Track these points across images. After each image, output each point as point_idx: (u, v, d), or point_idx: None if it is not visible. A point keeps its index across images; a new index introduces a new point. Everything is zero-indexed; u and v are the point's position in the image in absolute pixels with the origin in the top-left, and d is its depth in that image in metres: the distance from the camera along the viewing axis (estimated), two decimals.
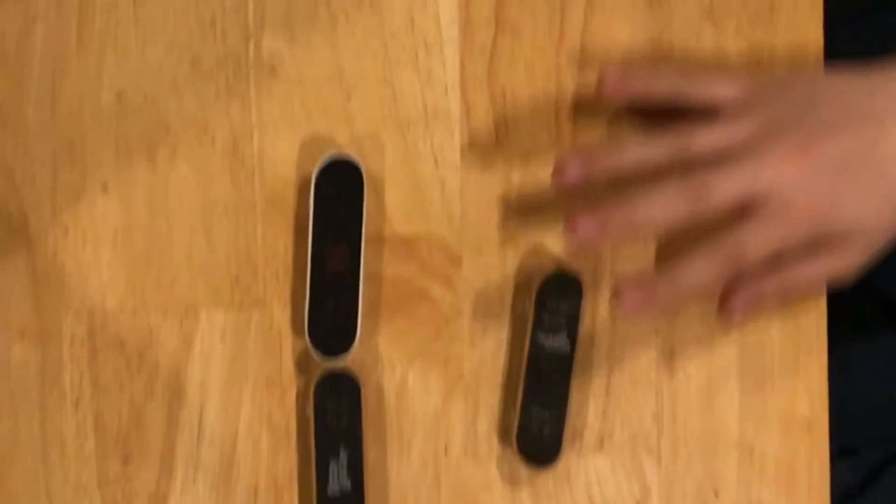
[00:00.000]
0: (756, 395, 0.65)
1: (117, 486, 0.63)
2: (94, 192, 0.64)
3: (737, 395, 0.65)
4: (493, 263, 0.65)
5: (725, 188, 0.58)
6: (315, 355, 0.63)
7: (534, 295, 0.64)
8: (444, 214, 0.65)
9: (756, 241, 0.58)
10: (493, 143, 0.65)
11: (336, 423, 0.63)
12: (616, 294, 0.59)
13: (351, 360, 0.63)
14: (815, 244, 0.59)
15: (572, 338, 0.64)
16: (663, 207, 0.58)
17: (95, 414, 0.64)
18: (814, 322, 0.66)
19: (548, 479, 0.65)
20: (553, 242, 0.65)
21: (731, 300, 0.63)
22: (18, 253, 0.63)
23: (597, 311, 0.65)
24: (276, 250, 0.64)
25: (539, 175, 0.65)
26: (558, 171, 0.60)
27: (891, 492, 0.85)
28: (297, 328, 0.64)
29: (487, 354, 0.65)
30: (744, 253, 0.58)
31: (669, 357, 0.65)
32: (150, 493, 0.64)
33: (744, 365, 0.65)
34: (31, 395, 0.63)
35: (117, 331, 0.64)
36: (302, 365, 0.64)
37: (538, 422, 0.64)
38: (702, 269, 0.59)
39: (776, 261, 0.60)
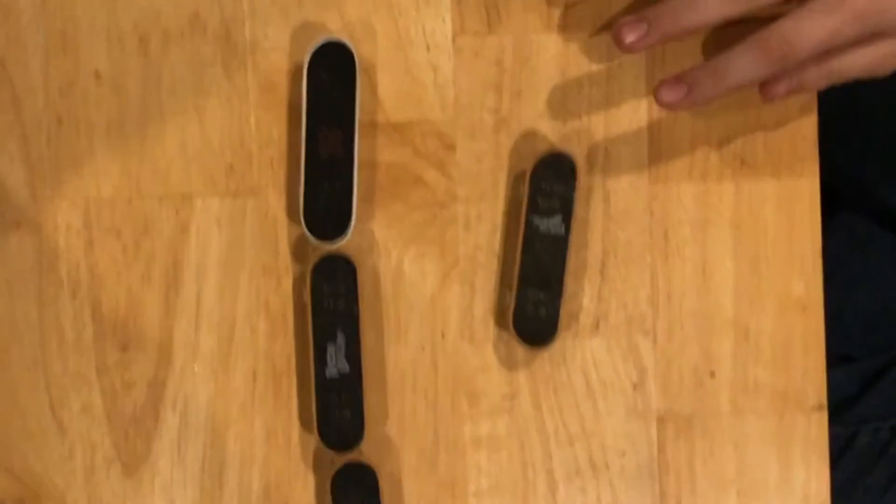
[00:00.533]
0: (750, 277, 0.66)
1: (116, 373, 0.64)
2: (87, 81, 0.64)
3: (731, 277, 0.66)
4: (486, 148, 0.65)
5: None
6: (311, 240, 0.63)
7: (528, 178, 0.64)
8: (436, 100, 0.65)
9: (807, 32, 0.57)
10: (484, 28, 0.65)
11: (333, 306, 0.63)
12: (656, 88, 0.59)
13: (347, 245, 0.63)
14: (864, 39, 0.58)
15: (567, 220, 0.64)
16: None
17: (93, 302, 0.64)
18: (807, 205, 0.66)
19: (544, 361, 0.65)
20: (546, 126, 0.65)
21: (773, 86, 0.61)
22: (12, 142, 0.63)
23: (591, 194, 0.65)
24: (269, 138, 0.64)
25: (531, 59, 0.65)
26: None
27: (887, 398, 0.86)
28: (292, 215, 0.64)
29: (482, 238, 0.65)
30: (793, 46, 0.57)
31: (664, 239, 0.65)
32: (149, 380, 0.64)
33: (738, 247, 0.66)
34: (29, 285, 0.63)
35: (113, 219, 0.64)
36: (298, 251, 0.64)
37: (534, 303, 0.64)
38: (748, 64, 0.58)
39: (824, 56, 0.59)
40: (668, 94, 0.60)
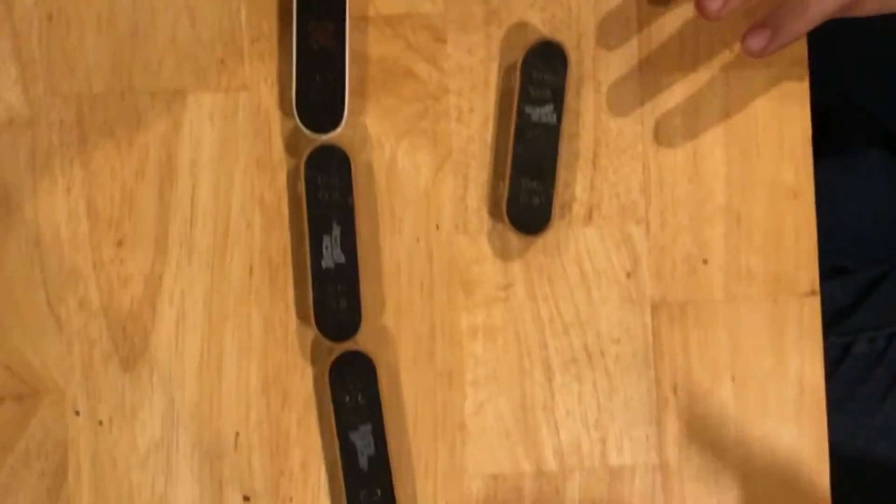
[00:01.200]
0: (741, 164, 0.66)
1: (112, 268, 0.64)
2: None
3: (722, 165, 0.66)
4: (477, 40, 0.65)
5: None
6: (304, 132, 0.63)
7: (519, 68, 0.64)
8: None
9: None
10: None
11: (328, 198, 0.63)
12: (743, 38, 0.59)
13: (340, 138, 0.63)
14: None
15: (558, 109, 0.64)
16: None
17: (87, 199, 0.64)
18: (797, 93, 0.66)
19: (538, 251, 0.65)
20: (536, 17, 0.65)
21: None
22: (3, 40, 0.63)
23: (582, 84, 0.65)
24: (260, 31, 0.64)
25: None
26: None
27: (882, 308, 0.86)
28: (285, 108, 0.65)
29: (475, 130, 0.65)
30: None
31: (655, 128, 0.66)
32: (146, 275, 0.64)
33: (729, 135, 0.66)
34: (23, 182, 0.64)
35: (105, 115, 0.64)
36: (291, 145, 0.65)
37: (527, 192, 0.64)
38: None
39: None
40: (756, 41, 0.60)
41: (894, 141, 0.91)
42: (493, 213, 0.65)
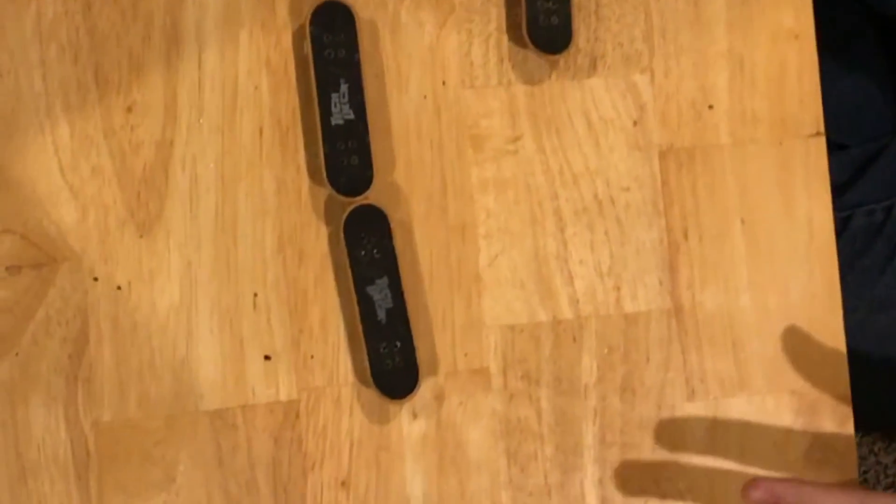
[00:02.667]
0: (742, 9, 0.67)
1: (123, 135, 0.64)
2: None
3: (723, 9, 0.67)
4: None
5: None
6: None
7: None
8: None
9: None
10: None
11: (334, 55, 0.64)
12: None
13: None
14: None
15: None
16: None
17: (95, 66, 0.64)
18: None
19: (545, 103, 0.66)
20: None
21: None
22: None
23: None
24: None
25: None
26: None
27: (879, 182, 0.87)
28: None
29: None
30: None
31: None
32: (157, 141, 0.64)
33: None
34: (30, 52, 0.64)
35: None
36: (294, 6, 0.65)
37: (545, 12, 0.64)
38: None
39: None
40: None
41: (886, 22, 0.92)
42: (515, 38, 0.65)
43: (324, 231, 0.65)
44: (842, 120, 0.91)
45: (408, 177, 0.66)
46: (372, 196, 0.64)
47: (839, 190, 0.87)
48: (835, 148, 0.90)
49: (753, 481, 0.60)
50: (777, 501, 0.60)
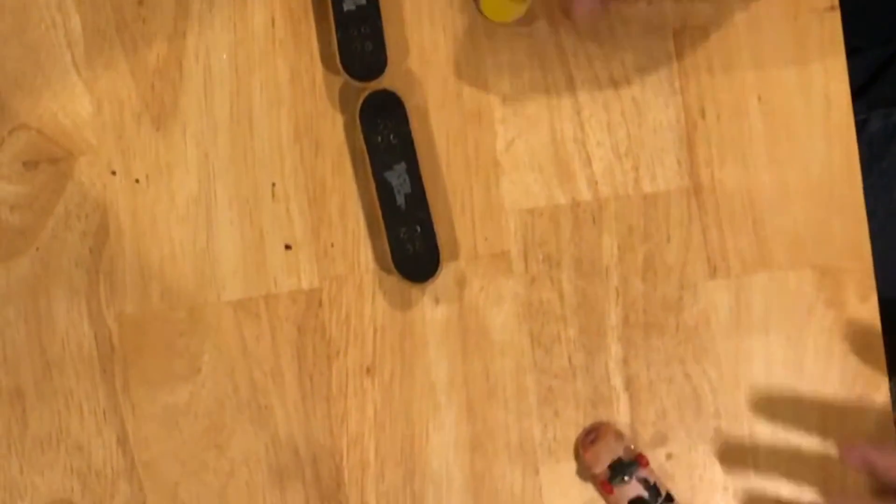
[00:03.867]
0: None
1: (136, 27, 0.64)
2: None
3: None
4: None
5: None
6: None
7: None
8: None
9: None
10: None
11: None
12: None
13: None
14: None
15: None
16: None
17: None
18: None
19: None
20: None
21: None
22: None
23: None
24: None
25: None
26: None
27: (893, 86, 0.87)
28: None
29: None
30: None
31: None
32: (169, 33, 0.64)
33: None
34: None
35: None
36: None
37: None
38: None
39: None
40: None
41: None
42: None
43: (339, 119, 0.65)
44: (857, 23, 0.91)
45: (421, 63, 0.65)
46: (386, 82, 0.64)
47: (854, 94, 0.87)
48: (849, 52, 0.89)
49: (849, 446, 0.62)
50: (870, 468, 0.62)
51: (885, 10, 0.91)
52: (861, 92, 0.87)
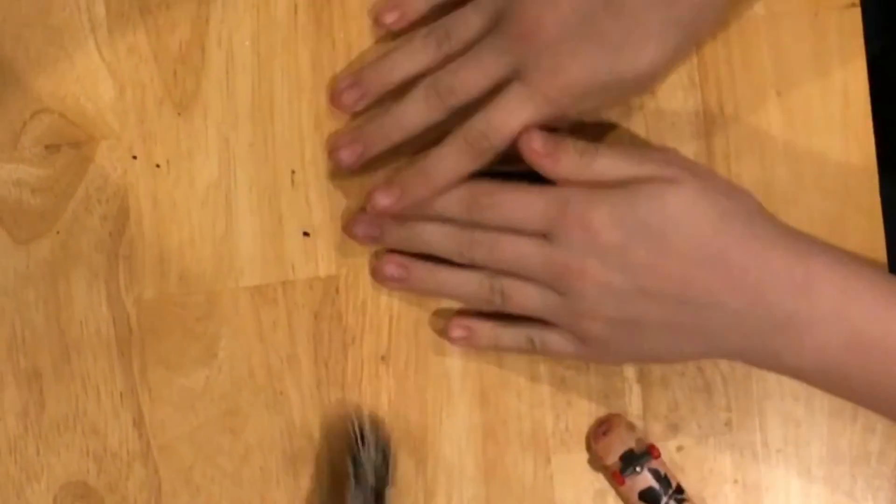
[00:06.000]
0: None
1: (159, 13, 0.65)
2: None
3: None
4: None
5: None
6: None
7: None
8: None
9: (501, 118, 0.58)
10: None
11: None
12: (369, 195, 0.61)
13: None
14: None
15: None
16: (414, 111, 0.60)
17: None
18: None
19: None
20: None
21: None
22: None
23: None
24: None
25: None
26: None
27: None
28: None
29: None
30: (488, 133, 0.58)
31: None
32: (192, 18, 0.65)
33: None
34: None
35: None
36: None
37: None
38: (454, 161, 0.59)
39: None
40: (382, 199, 0.60)
41: None
42: None
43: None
44: None
45: None
46: None
47: None
48: None
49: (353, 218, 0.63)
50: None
51: None
52: None
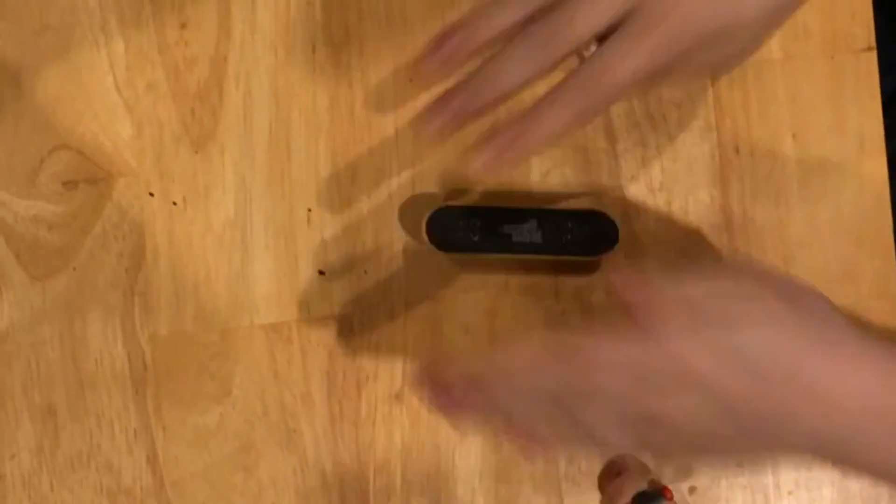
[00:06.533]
0: None
1: (177, 50, 0.65)
2: None
3: None
4: None
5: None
6: None
7: None
8: None
9: (612, 62, 0.51)
10: None
11: None
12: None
13: None
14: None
15: None
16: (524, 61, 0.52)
17: None
18: None
19: None
20: None
21: None
22: None
23: None
24: None
25: None
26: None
27: None
28: None
29: None
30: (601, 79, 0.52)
31: None
32: (211, 56, 0.65)
33: None
34: None
35: None
36: None
37: None
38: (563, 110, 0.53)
39: None
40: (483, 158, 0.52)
41: None
42: None
43: (376, 147, 0.65)
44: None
45: None
46: None
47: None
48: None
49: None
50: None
51: None
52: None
